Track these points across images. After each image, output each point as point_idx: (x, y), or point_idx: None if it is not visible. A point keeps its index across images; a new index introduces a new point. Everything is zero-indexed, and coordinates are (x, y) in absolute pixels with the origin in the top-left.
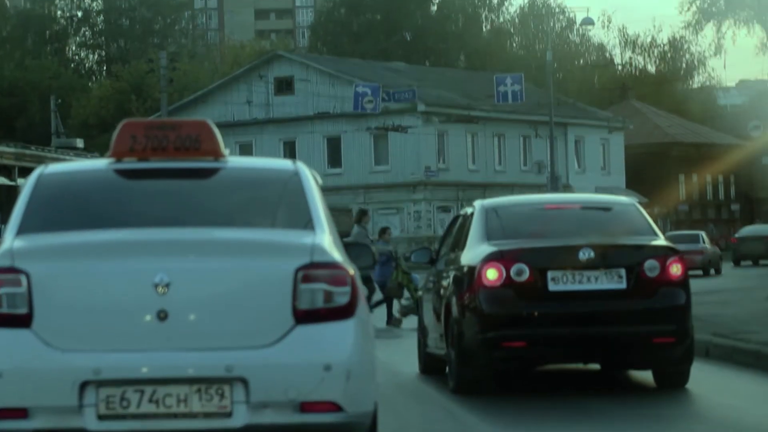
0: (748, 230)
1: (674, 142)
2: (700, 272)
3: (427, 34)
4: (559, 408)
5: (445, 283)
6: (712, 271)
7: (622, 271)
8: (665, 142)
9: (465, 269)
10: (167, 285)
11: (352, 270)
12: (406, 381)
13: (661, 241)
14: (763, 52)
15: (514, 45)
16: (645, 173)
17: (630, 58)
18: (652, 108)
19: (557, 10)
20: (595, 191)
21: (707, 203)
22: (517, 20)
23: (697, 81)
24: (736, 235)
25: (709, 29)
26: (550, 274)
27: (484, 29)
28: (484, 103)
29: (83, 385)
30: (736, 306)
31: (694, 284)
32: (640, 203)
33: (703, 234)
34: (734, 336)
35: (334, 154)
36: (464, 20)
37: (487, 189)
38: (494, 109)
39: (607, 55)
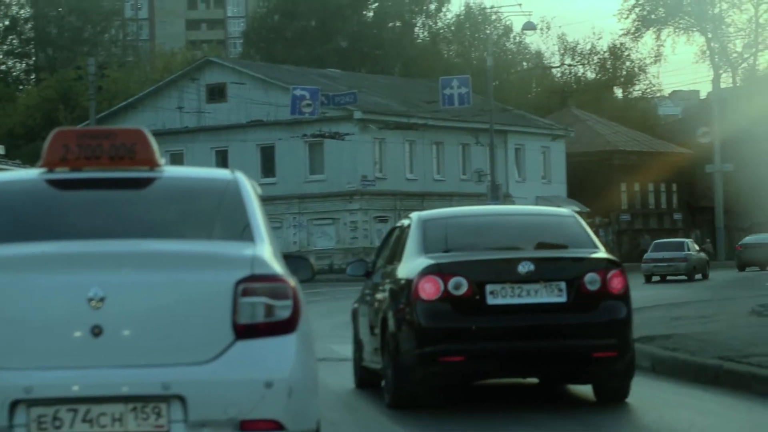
0: (751, 239)
1: (616, 150)
2: (684, 277)
3: (363, 40)
4: (498, 421)
5: (380, 296)
6: (699, 276)
7: (563, 285)
8: (607, 150)
9: (402, 282)
10: (102, 299)
11: (293, 282)
12: (341, 395)
13: (602, 253)
14: (703, 59)
15: (451, 52)
16: (586, 182)
17: (569, 65)
18: (592, 116)
19: (494, 17)
20: (536, 201)
21: (649, 212)
22: (453, 27)
23: (638, 89)
24: (740, 243)
25: (649, 37)
26: (488, 288)
27: (420, 36)
28: (422, 110)
29: (14, 405)
30: (717, 322)
31: (676, 291)
32: (581, 213)
33: (688, 242)
34: (747, 361)
35: (268, 163)
36: (401, 27)
37: (425, 198)
38: (433, 116)
39: (546, 62)
